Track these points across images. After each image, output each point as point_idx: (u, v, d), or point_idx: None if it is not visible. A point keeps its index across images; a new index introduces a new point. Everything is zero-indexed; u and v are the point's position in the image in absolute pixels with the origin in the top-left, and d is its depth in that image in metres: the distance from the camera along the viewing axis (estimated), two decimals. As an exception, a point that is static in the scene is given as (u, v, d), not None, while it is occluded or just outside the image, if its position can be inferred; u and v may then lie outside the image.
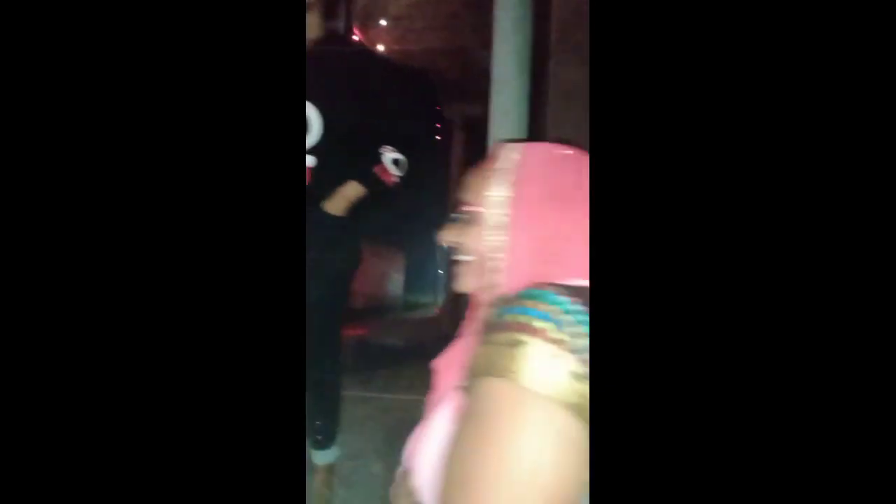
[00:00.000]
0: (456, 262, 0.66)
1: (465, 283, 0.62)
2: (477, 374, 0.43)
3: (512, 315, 0.43)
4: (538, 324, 0.42)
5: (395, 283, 19.85)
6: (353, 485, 1.91)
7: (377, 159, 1.87)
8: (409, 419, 0.64)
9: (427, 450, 0.51)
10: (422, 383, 0.64)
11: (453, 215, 0.65)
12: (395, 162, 1.88)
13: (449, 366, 0.59)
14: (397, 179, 1.87)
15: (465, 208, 0.61)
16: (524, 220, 0.54)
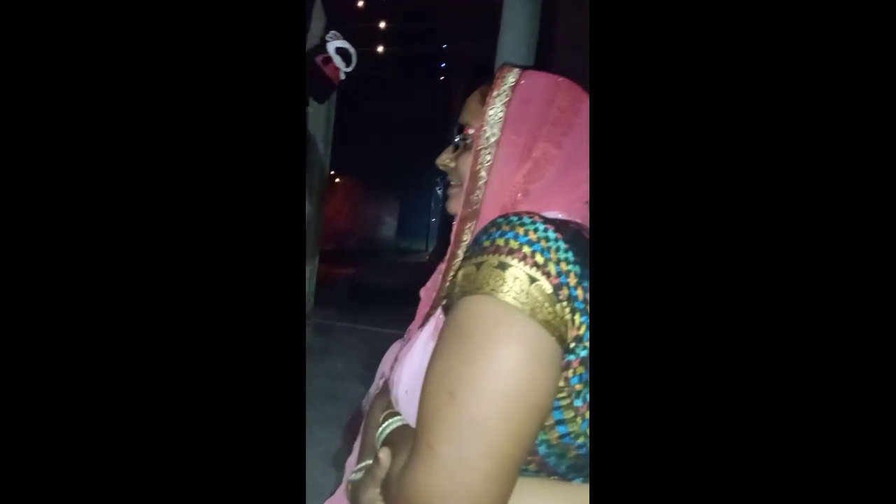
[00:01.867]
0: (447, 186, 0.62)
1: (452, 205, 0.59)
2: (461, 293, 0.45)
3: (493, 239, 0.45)
4: (520, 247, 0.43)
5: (388, 227, 19.73)
6: (337, 400, 2.04)
7: (320, 48, 1.44)
8: (384, 349, 0.65)
9: (407, 364, 0.52)
10: (406, 319, 0.65)
11: (453, 138, 0.64)
12: (341, 52, 1.46)
13: (429, 291, 0.59)
14: (344, 76, 1.46)
15: (462, 131, 0.59)
16: (512, 144, 0.53)
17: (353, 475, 0.54)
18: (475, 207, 0.53)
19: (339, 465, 0.67)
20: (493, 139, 0.53)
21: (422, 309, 0.59)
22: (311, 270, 3.67)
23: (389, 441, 0.51)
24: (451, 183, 0.61)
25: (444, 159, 0.60)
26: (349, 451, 0.64)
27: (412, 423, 0.49)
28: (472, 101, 0.60)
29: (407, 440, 0.47)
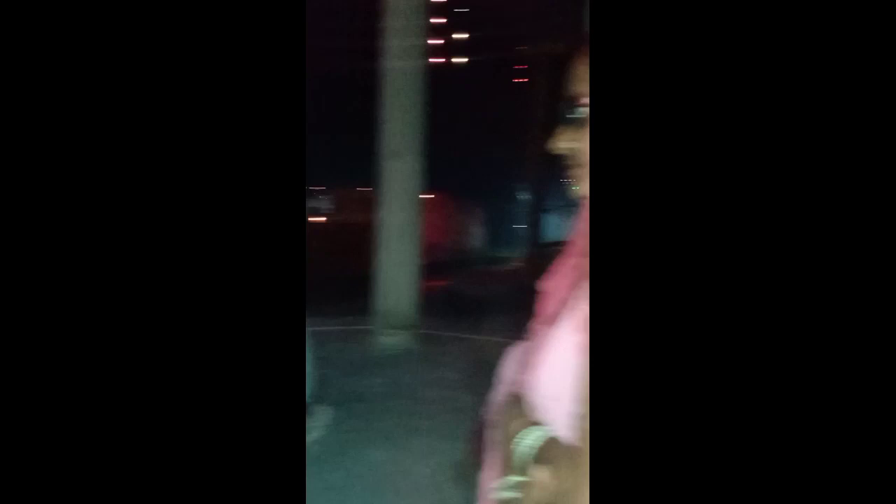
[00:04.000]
0: (571, 167, 0.55)
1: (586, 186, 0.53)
2: None
3: None
4: None
5: (477, 236, 19.80)
6: (450, 409, 2.06)
7: None
8: (493, 357, 0.65)
9: (549, 367, 0.47)
10: (502, 326, 0.61)
11: (566, 115, 0.53)
12: None
13: (559, 283, 0.54)
14: None
15: (579, 105, 0.51)
16: None
17: (502, 493, 0.52)
18: None
19: (468, 478, 0.66)
20: None
21: (547, 304, 0.54)
22: (414, 282, 3.76)
23: (543, 457, 0.47)
24: (572, 164, 0.53)
25: (562, 141, 0.52)
26: (477, 464, 0.62)
27: (564, 433, 0.45)
28: (580, 67, 0.52)
29: (571, 456, 0.43)
